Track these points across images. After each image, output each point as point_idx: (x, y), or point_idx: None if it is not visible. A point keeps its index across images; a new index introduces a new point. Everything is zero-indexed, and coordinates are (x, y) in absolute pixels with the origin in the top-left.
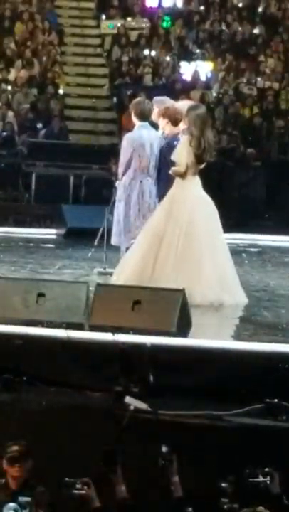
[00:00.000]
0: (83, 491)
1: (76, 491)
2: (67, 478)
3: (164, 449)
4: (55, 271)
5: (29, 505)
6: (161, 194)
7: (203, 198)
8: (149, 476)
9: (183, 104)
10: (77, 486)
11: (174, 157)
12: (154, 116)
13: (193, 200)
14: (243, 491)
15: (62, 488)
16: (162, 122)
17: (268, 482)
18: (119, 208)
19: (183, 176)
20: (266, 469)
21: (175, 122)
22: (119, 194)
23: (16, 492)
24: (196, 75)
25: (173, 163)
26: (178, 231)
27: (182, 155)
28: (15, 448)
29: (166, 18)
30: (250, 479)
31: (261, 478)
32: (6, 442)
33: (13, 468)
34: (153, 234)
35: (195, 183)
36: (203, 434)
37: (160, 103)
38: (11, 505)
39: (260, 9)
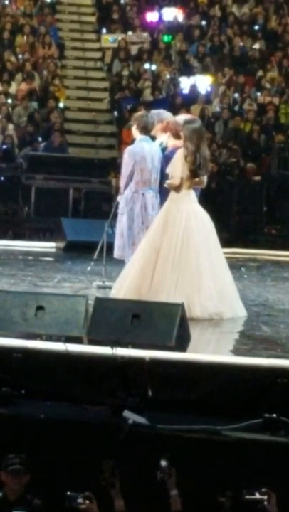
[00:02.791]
0: (85, 506)
1: (78, 505)
2: (69, 492)
3: (162, 463)
4: (54, 284)
5: None
6: (162, 206)
7: (198, 212)
8: (147, 490)
9: (182, 118)
10: (79, 500)
11: (168, 170)
12: (154, 131)
13: (188, 213)
14: (241, 507)
15: (65, 502)
16: (164, 136)
17: (265, 502)
18: (121, 222)
19: (177, 189)
20: (263, 489)
21: (177, 135)
22: (121, 207)
23: (13, 505)
24: (196, 90)
25: (168, 176)
26: (174, 244)
27: (177, 168)
28: (16, 460)
29: (167, 32)
30: (247, 497)
31: (258, 497)
32: (5, 455)
33: (13, 480)
34: (150, 248)
35: (190, 197)
36: (202, 448)
37: (157, 116)
38: None
39: (260, 24)
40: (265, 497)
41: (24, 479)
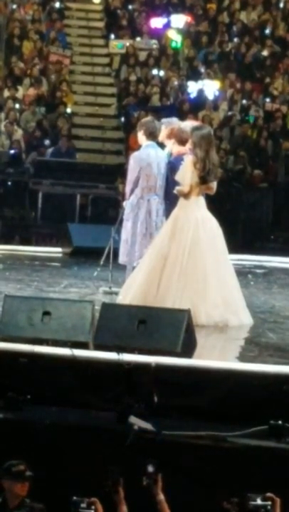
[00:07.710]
0: (91, 511)
1: (83, 511)
2: (75, 498)
3: (149, 468)
4: (61, 289)
5: None
6: (168, 213)
7: (207, 219)
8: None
9: (187, 125)
10: (83, 505)
11: (178, 177)
12: (161, 137)
13: (196, 220)
14: None
15: (70, 508)
16: (169, 143)
17: (269, 507)
18: (126, 227)
19: (187, 196)
20: (267, 494)
21: (181, 142)
22: (127, 213)
23: (12, 510)
24: (203, 96)
25: (177, 183)
26: (182, 251)
27: (186, 175)
28: (21, 467)
29: (175, 38)
30: (251, 503)
31: (261, 503)
32: (8, 461)
33: (17, 485)
34: (157, 254)
35: (199, 203)
36: (207, 454)
37: (168, 124)
38: None
39: (268, 31)
40: (269, 503)
41: (27, 485)
